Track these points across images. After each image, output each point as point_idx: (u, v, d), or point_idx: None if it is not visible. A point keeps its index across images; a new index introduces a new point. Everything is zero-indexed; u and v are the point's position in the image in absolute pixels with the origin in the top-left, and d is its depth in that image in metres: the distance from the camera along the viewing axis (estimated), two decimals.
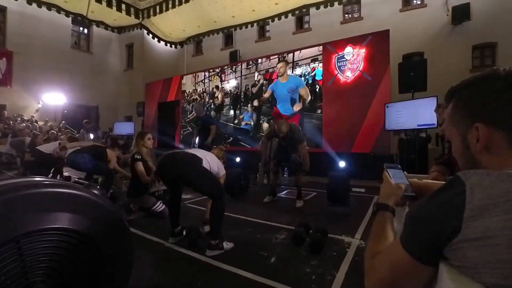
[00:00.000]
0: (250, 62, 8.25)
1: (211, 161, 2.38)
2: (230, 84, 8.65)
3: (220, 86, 8.91)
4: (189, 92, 9.79)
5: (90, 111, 12.73)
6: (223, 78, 8.87)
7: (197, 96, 9.53)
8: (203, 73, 9.45)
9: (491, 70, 0.54)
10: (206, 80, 9.31)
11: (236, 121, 8.40)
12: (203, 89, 9.36)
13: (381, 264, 0.58)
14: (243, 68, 8.39)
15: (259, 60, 8.00)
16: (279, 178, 4.55)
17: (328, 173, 3.57)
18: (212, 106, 8.99)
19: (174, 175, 2.24)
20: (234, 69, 8.65)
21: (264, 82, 7.80)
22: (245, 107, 8.16)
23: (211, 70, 9.26)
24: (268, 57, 7.84)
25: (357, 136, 5.99)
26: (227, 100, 8.68)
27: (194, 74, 9.69)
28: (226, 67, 9.03)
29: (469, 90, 0.57)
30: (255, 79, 8.02)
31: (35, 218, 0.91)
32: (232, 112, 8.53)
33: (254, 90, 8.04)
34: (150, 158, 3.25)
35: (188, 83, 9.86)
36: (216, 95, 8.96)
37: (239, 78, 8.45)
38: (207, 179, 2.19)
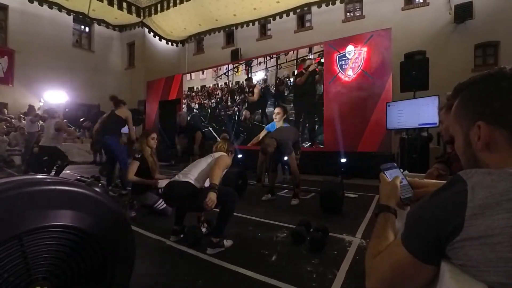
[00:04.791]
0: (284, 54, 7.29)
1: (201, 173, 2.23)
2: (257, 77, 7.81)
3: (251, 80, 7.89)
4: (209, 87, 8.96)
5: (91, 109, 12.74)
6: (251, 70, 8.00)
7: (219, 92, 8.64)
8: (225, 66, 8.67)
9: (498, 68, 0.54)
10: (230, 73, 8.48)
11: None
12: (225, 83, 8.55)
13: (382, 263, 0.58)
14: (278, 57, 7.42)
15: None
16: (277, 177, 4.51)
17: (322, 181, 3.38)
18: (243, 103, 8.04)
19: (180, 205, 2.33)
20: (269, 58, 7.63)
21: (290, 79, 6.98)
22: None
23: (235, 64, 8.59)
24: (300, 48, 7.14)
25: (363, 135, 5.93)
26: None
27: (216, 68, 8.90)
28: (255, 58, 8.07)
29: (474, 88, 0.57)
30: (294, 69, 7.05)
31: (38, 216, 0.91)
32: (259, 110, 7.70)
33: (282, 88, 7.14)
34: (153, 158, 3.23)
35: (208, 78, 9.04)
36: (247, 90, 7.96)
37: (271, 69, 7.48)
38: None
